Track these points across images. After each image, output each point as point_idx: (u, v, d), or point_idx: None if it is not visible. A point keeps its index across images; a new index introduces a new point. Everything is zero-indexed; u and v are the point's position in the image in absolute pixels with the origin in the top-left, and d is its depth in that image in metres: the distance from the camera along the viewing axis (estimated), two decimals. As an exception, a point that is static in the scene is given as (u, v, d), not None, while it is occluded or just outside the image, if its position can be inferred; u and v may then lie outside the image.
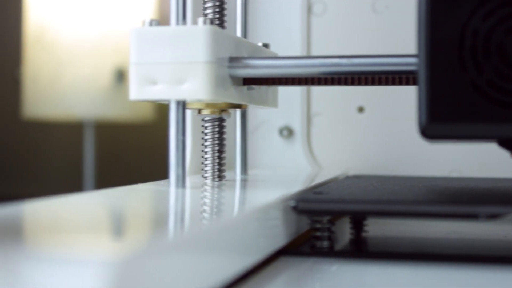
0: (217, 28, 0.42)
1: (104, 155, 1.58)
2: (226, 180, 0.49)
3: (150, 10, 1.39)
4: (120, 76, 1.33)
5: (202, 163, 0.49)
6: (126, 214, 0.34)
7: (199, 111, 0.48)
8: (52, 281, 0.20)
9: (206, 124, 0.49)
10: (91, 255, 0.20)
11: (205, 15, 0.48)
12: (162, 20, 0.40)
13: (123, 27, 1.34)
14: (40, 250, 0.21)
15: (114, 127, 1.59)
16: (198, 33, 0.41)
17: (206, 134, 0.49)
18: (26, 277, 0.20)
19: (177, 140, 0.42)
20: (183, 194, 0.40)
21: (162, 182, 0.47)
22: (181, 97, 0.42)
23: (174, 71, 0.41)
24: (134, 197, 0.40)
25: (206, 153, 0.49)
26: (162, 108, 1.47)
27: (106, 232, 0.27)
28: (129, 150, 1.66)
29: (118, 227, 0.29)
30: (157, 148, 1.56)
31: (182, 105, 0.42)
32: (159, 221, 0.31)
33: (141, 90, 0.42)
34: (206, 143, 0.49)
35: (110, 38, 1.33)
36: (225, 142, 0.49)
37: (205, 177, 0.49)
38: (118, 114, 1.36)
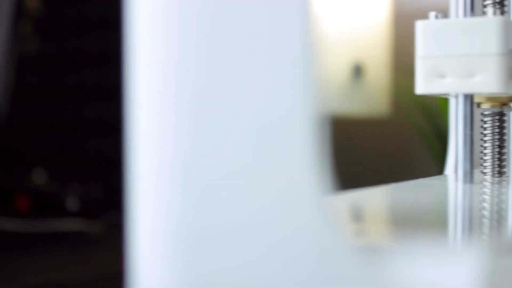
0: (508, 19, 0.41)
1: (341, 151, 1.59)
2: (506, 177, 0.47)
3: (385, 6, 1.38)
4: (358, 71, 1.34)
5: (481, 158, 0.47)
6: (461, 210, 0.33)
7: (478, 105, 0.47)
8: (426, 274, 0.20)
9: (486, 119, 0.47)
10: (467, 250, 0.20)
11: (484, 5, 0.46)
12: (398, 15, 0.39)
13: (359, 23, 1.35)
14: (411, 243, 0.21)
15: (352, 123, 1.60)
16: (490, 24, 0.40)
17: (485, 128, 0.47)
18: (397, 268, 0.21)
19: (465, 135, 0.41)
20: (487, 190, 0.39)
21: (441, 177, 0.46)
22: (470, 90, 0.41)
23: (464, 64, 0.40)
24: (434, 192, 0.40)
25: (485, 148, 0.47)
26: (399, 104, 1.45)
27: (464, 227, 0.27)
28: (366, 146, 1.66)
29: (469, 223, 0.29)
30: (394, 144, 1.55)
31: (470, 99, 0.41)
32: (498, 218, 0.31)
33: (428, 84, 0.41)
34: (486, 138, 0.47)
35: (347, 34, 1.34)
36: (505, 137, 0.47)
37: (484, 173, 0.47)
38: (356, 110, 1.37)
